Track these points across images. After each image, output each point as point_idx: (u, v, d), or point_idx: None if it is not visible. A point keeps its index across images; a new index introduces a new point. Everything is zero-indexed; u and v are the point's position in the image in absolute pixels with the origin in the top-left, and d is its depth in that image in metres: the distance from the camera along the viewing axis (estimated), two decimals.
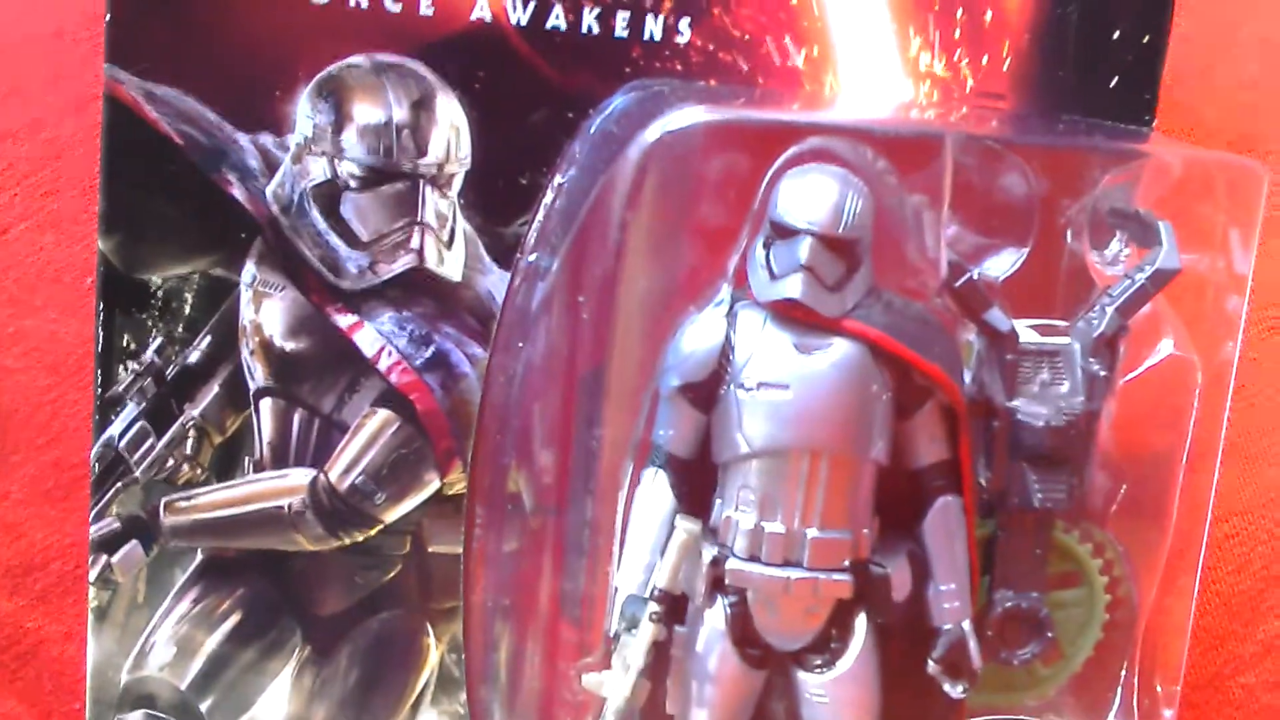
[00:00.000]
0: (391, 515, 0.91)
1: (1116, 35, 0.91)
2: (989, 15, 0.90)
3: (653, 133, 0.78)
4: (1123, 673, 0.89)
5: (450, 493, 0.92)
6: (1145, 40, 0.92)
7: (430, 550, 0.92)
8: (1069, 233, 0.89)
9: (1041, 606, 0.86)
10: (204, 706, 0.93)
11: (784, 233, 0.77)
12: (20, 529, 0.99)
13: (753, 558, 0.80)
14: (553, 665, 0.91)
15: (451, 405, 0.90)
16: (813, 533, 0.79)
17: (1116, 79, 0.92)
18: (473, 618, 0.93)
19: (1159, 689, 0.88)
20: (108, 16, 0.84)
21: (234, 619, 0.92)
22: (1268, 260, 1.00)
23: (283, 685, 0.93)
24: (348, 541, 0.91)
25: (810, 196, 0.77)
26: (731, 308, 0.80)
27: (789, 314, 0.78)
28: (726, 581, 0.80)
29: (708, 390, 0.80)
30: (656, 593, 0.80)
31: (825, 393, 0.78)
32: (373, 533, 0.91)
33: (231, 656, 0.92)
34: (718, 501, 0.82)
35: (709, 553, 0.81)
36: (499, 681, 0.93)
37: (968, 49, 0.91)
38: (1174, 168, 0.86)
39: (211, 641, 0.92)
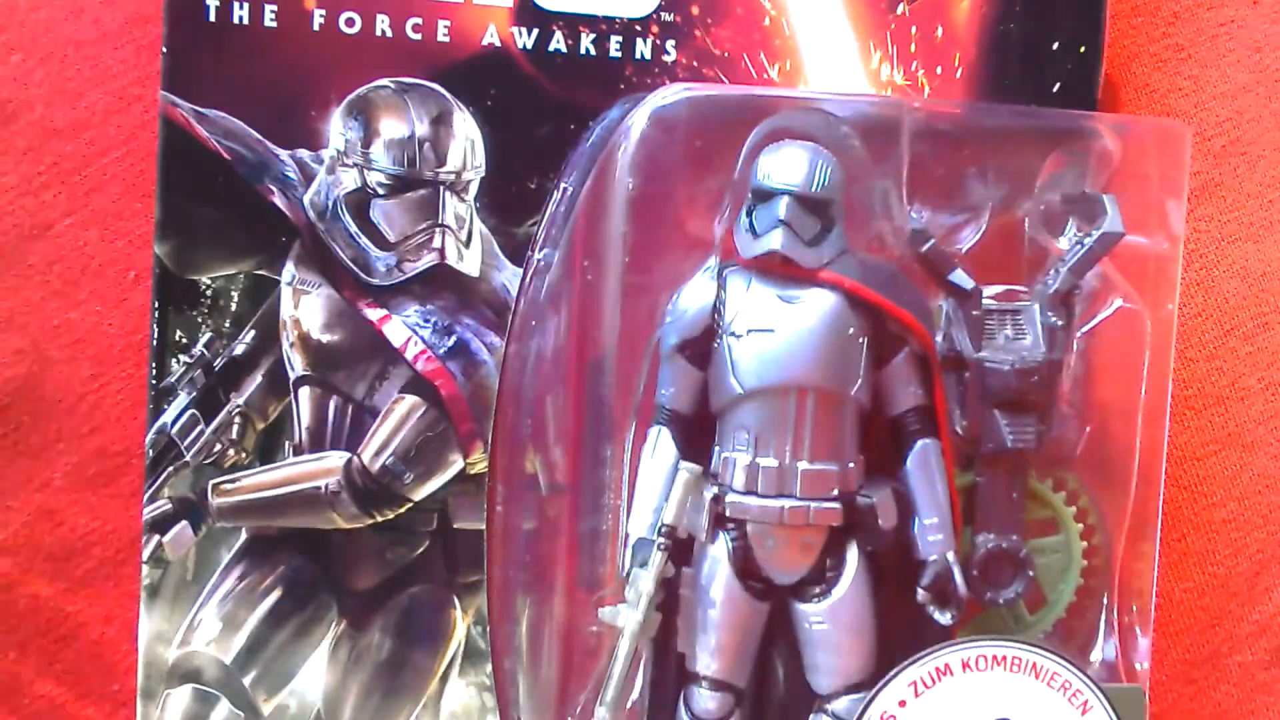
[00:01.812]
0: (419, 494, 0.99)
1: (1056, 46, 1.02)
2: (940, 31, 1.02)
3: (643, 110, 0.89)
4: (1104, 600, 0.95)
5: (473, 472, 0.99)
6: (1082, 50, 1.03)
7: (455, 527, 1.00)
8: (1027, 223, 0.99)
9: (1022, 546, 0.93)
10: (247, 680, 0.99)
11: (763, 196, 0.88)
12: (62, 515, 1.04)
13: (750, 491, 0.88)
14: (569, 637, 0.97)
15: (472, 390, 0.99)
16: (803, 465, 0.87)
17: (1058, 85, 1.03)
18: (495, 591, 1.00)
19: (1134, 608, 0.95)
20: (164, 49, 0.96)
21: (275, 595, 0.99)
22: (1261, 254, 1.10)
23: (320, 659, 1.00)
24: (379, 519, 0.99)
25: (785, 162, 0.88)
26: (720, 273, 0.90)
27: (771, 267, 0.88)
28: (727, 514, 0.88)
29: (703, 346, 0.89)
30: (664, 529, 0.88)
31: (807, 333, 0.87)
32: (402, 511, 0.99)
33: (273, 631, 0.99)
34: (716, 448, 0.90)
35: (710, 492, 0.89)
36: (521, 653, 0.99)
37: (923, 61, 1.02)
38: (1113, 148, 0.96)
39: (254, 617, 0.99)
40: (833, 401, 0.87)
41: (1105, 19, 1.03)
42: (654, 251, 0.94)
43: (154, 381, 0.97)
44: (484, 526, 0.98)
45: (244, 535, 0.99)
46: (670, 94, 0.90)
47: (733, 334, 0.88)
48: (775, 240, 0.86)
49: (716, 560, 0.89)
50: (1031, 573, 0.93)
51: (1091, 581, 0.97)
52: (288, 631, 0.99)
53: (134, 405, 1.02)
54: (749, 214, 0.89)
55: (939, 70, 1.02)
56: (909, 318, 0.88)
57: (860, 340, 0.88)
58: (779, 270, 0.88)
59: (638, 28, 0.99)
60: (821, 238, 0.88)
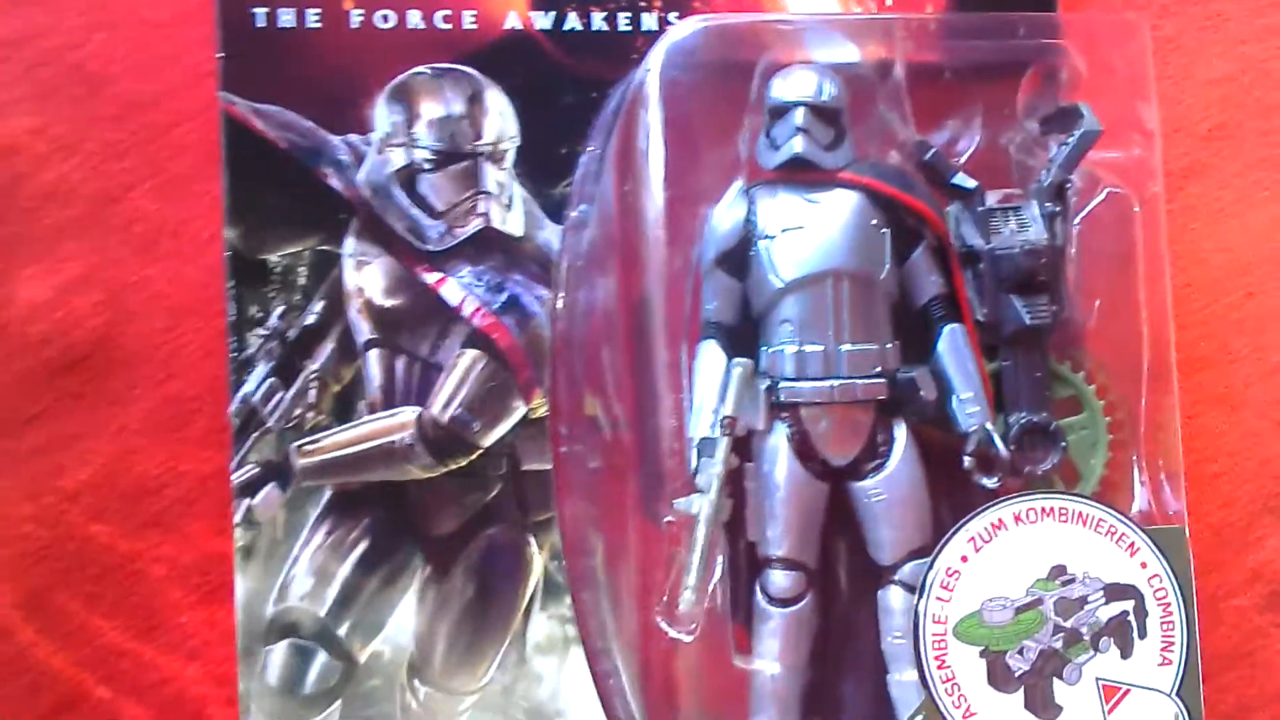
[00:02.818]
0: (488, 440, 1.06)
1: None
2: None
3: (659, 48, 0.99)
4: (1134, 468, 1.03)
5: (535, 417, 1.06)
6: None
7: (524, 469, 1.06)
8: (1012, 149, 1.09)
9: (1052, 420, 1.01)
10: (342, 631, 1.04)
11: (779, 112, 0.97)
12: (136, 457, 1.11)
13: (800, 377, 0.96)
14: (644, 566, 1.03)
15: (527, 340, 1.07)
16: (846, 347, 0.95)
17: None
18: (566, 528, 1.06)
19: (1161, 463, 1.02)
20: (220, 54, 1.05)
21: (362, 546, 1.05)
22: (1246, 229, 1.19)
23: (409, 604, 1.05)
24: (453, 467, 1.05)
25: (796, 80, 0.98)
26: (748, 192, 0.99)
27: (794, 176, 0.97)
28: (780, 400, 0.96)
29: (739, 256, 0.98)
30: (725, 420, 0.95)
31: (835, 226, 0.96)
32: (474, 457, 1.06)
33: (363, 581, 1.05)
34: (763, 348, 0.98)
35: (763, 384, 0.96)
36: (599, 584, 1.05)
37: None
38: (1080, 65, 1.06)
39: (344, 569, 1.04)
40: (865, 285, 0.96)
41: None
42: (685, 175, 1.01)
43: (234, 355, 1.05)
44: (551, 467, 1.05)
45: (328, 492, 1.05)
46: (687, 27, 1.00)
47: (767, 237, 0.96)
48: (796, 145, 0.96)
49: (775, 448, 0.96)
50: (1065, 444, 1.01)
51: (1119, 455, 1.04)
52: (377, 580, 1.05)
53: (205, 355, 1.09)
54: (768, 133, 0.98)
55: None
56: (924, 208, 0.98)
57: (883, 231, 0.97)
58: (802, 177, 0.97)
59: (643, 3, 1.10)
60: (836, 144, 0.97)
